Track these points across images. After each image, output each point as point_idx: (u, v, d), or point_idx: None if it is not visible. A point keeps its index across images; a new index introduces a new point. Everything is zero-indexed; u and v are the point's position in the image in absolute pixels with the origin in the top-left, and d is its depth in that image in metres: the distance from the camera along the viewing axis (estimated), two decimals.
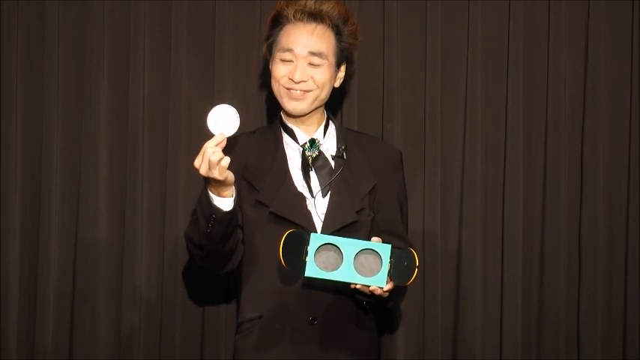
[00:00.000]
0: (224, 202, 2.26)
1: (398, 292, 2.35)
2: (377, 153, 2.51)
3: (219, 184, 2.24)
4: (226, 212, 2.26)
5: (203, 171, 2.20)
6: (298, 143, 2.46)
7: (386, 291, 2.22)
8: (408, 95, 2.84)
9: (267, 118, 2.82)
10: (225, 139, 2.23)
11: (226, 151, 2.22)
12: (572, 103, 2.86)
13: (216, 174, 2.20)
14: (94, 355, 2.81)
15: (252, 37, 2.82)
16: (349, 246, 2.19)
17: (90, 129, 2.82)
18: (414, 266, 2.19)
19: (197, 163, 2.22)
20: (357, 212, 2.39)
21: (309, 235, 2.20)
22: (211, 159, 2.19)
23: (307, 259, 2.18)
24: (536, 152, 2.86)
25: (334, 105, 2.79)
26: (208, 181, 2.25)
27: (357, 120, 2.83)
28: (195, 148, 2.79)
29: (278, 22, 2.45)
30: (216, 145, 2.21)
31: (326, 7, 2.43)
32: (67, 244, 2.82)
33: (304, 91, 2.41)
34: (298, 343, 2.35)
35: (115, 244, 2.82)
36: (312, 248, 2.18)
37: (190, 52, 2.83)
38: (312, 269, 2.18)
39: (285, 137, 2.48)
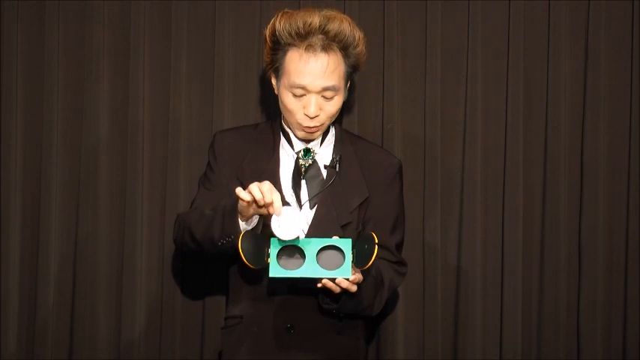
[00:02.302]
0: (243, 226, 2.25)
1: (376, 299, 2.35)
2: (374, 163, 2.49)
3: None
4: None
5: (258, 197, 2.17)
6: (293, 149, 2.45)
7: (352, 282, 2.21)
8: (408, 95, 2.84)
9: (266, 118, 2.81)
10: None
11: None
12: (572, 103, 2.86)
13: (264, 212, 2.20)
14: (94, 355, 2.81)
15: (252, 37, 2.82)
16: (310, 244, 2.20)
17: (90, 129, 2.82)
18: (374, 245, 2.16)
19: (257, 193, 2.18)
20: (342, 226, 2.38)
21: (268, 237, 2.20)
22: (275, 201, 2.17)
23: (269, 260, 2.19)
24: (536, 152, 2.86)
25: None
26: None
27: (357, 120, 2.83)
28: (195, 148, 2.81)
29: (279, 45, 2.37)
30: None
31: (332, 27, 2.34)
32: (67, 244, 2.82)
33: (317, 126, 2.39)
34: (275, 348, 2.36)
35: (115, 244, 2.82)
36: (273, 251, 2.19)
37: (190, 52, 2.83)
38: (276, 269, 2.19)
39: (282, 140, 2.47)
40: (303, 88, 2.35)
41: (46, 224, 2.82)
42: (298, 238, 2.21)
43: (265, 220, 2.27)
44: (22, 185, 2.83)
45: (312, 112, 2.35)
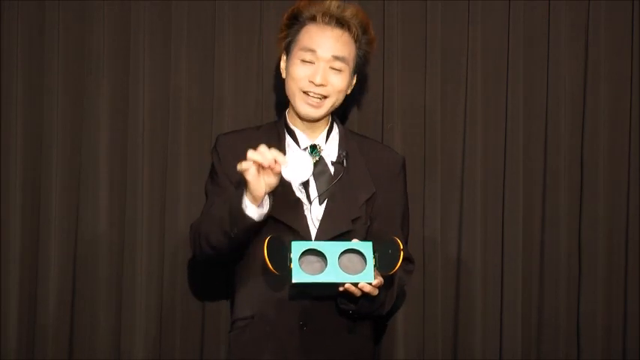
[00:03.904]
0: (256, 210, 2.21)
1: (387, 298, 2.34)
2: (379, 159, 2.49)
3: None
4: (256, 222, 2.21)
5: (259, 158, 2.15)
6: (300, 147, 2.45)
7: (375, 286, 2.21)
8: (408, 95, 2.84)
9: (266, 118, 2.81)
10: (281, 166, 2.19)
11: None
12: (572, 102, 2.86)
13: (272, 174, 2.18)
14: (94, 355, 2.81)
15: (252, 37, 2.82)
16: (332, 248, 2.19)
17: (90, 129, 2.82)
18: (399, 251, 2.16)
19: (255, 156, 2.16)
20: (352, 221, 2.37)
21: (290, 242, 2.18)
22: (276, 155, 2.16)
23: (292, 265, 2.17)
24: (536, 152, 2.86)
25: None
26: (246, 186, 2.20)
27: (357, 120, 2.83)
28: (195, 148, 2.81)
29: (297, 21, 2.42)
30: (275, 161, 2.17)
31: (349, 13, 2.41)
32: (67, 244, 2.82)
33: (322, 97, 2.39)
34: (288, 347, 2.34)
35: (115, 244, 2.82)
36: (295, 255, 2.17)
37: (190, 52, 2.83)
38: (299, 275, 2.16)
39: (288, 139, 2.47)
40: (313, 52, 2.37)
41: (46, 224, 2.81)
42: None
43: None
44: (22, 185, 2.83)
45: (317, 79, 2.37)
